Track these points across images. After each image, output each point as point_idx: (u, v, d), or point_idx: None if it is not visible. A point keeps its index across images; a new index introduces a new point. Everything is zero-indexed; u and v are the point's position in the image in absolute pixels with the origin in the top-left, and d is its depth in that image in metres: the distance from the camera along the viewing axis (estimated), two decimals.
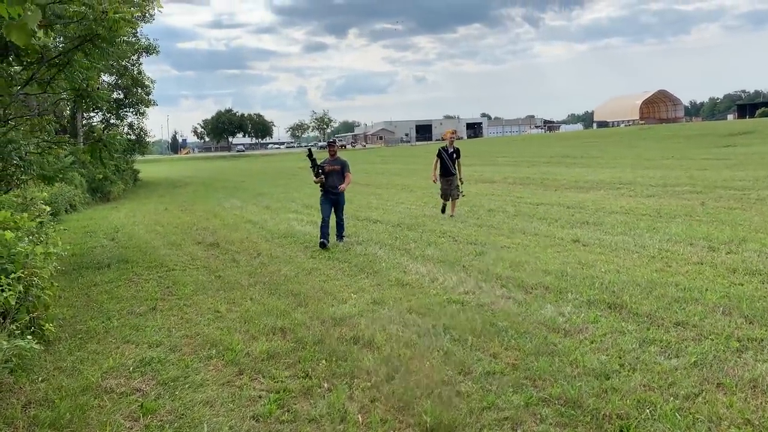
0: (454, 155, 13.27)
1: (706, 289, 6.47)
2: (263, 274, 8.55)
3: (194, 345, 5.59)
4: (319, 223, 10.70)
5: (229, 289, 7.71)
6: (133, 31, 32.02)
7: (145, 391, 4.58)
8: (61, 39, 11.39)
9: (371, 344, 5.35)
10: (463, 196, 13.70)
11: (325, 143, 11.25)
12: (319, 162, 10.63)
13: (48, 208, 13.89)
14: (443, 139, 14.14)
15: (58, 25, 9.79)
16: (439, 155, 13.31)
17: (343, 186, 10.69)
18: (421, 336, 5.52)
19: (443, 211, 13.51)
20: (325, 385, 4.57)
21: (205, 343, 5.59)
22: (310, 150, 10.89)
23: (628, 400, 4.07)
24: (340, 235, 10.83)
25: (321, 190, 10.78)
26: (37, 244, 6.44)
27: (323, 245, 10.17)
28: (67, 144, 12.97)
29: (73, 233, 14.29)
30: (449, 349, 5.16)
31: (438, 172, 13.31)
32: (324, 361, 4.99)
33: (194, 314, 6.65)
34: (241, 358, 5.14)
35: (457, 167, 13.26)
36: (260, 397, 4.44)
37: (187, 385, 4.65)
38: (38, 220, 7.57)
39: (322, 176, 10.53)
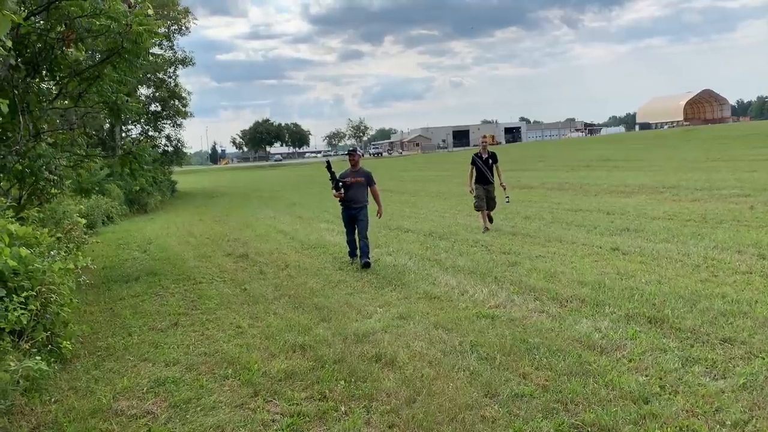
0: (490, 161, 12.26)
1: (756, 302, 6.02)
2: (289, 286, 8.36)
3: (211, 363, 5.40)
4: (347, 241, 10.05)
5: (254, 303, 7.54)
6: (169, 44, 32.59)
7: (155, 414, 4.40)
8: (91, 53, 11.50)
9: (393, 363, 5.08)
10: (508, 202, 12.98)
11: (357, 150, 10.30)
12: (339, 173, 9.80)
13: (83, 221, 14.04)
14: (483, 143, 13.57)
15: (88, 40, 9.88)
16: (473, 162, 12.33)
17: (380, 210, 10.19)
18: (446, 354, 5.23)
19: (486, 229, 12.10)
20: (342, 408, 4.32)
21: (222, 362, 5.40)
22: (328, 162, 9.84)
23: (669, 429, 3.72)
24: (364, 257, 9.45)
25: (341, 206, 9.90)
26: (58, 260, 6.38)
27: (353, 256, 9.84)
28: (99, 157, 13.07)
29: (107, 245, 14.41)
30: (476, 368, 4.86)
31: (473, 180, 12.33)
32: (343, 382, 4.74)
33: (215, 330, 6.48)
34: (257, 378, 4.93)
35: (496, 173, 12.31)
36: (273, 421, 4.21)
37: (199, 408, 4.45)
38: (56, 235, 7.51)
39: (342, 191, 9.63)
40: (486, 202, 12.24)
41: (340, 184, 9.59)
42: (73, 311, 6.48)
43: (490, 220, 12.46)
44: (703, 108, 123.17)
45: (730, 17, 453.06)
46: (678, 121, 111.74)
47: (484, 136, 13.56)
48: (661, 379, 4.41)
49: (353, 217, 9.73)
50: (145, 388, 4.89)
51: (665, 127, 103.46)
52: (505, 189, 12.43)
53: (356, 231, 9.77)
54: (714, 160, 27.09)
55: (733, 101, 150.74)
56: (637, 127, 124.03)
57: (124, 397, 4.76)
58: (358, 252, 9.82)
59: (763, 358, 4.63)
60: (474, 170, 12.33)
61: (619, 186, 19.38)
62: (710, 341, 5.08)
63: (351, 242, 9.91)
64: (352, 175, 9.77)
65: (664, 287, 6.82)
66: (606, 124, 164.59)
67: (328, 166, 9.65)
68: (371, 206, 9.87)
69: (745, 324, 5.39)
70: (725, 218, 11.50)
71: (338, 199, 9.77)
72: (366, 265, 9.25)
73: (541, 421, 3.94)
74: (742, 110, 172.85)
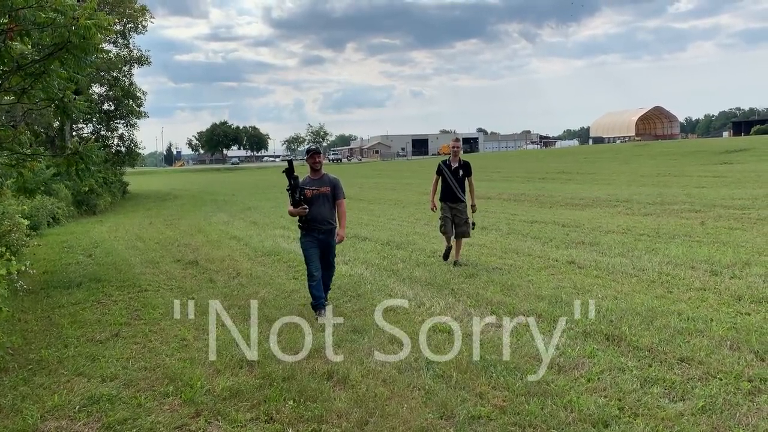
0: (461, 172, 9.53)
1: (711, 320, 6.01)
2: (239, 296, 8.04)
3: (152, 379, 5.08)
4: (307, 280, 7.09)
5: (201, 314, 7.19)
6: (124, 42, 31.72)
7: None
8: (39, 48, 10.98)
9: (346, 381, 4.86)
10: (472, 228, 9.72)
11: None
12: (302, 182, 7.05)
13: (26, 222, 13.37)
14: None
15: (34, 33, 9.38)
16: (440, 172, 9.64)
17: (341, 233, 7.16)
18: (401, 371, 5.03)
19: (446, 256, 9.70)
20: (290, 431, 4.07)
21: (163, 378, 5.08)
22: (290, 163, 6.98)
23: None
24: (325, 290, 7.24)
25: (300, 227, 7.13)
26: None
27: (321, 307, 6.93)
28: (45, 156, 12.47)
29: (51, 248, 13.78)
30: (431, 387, 4.67)
31: (437, 196, 9.76)
32: (292, 402, 4.49)
33: (158, 342, 6.14)
34: (200, 397, 4.63)
35: (468, 189, 9.65)
36: None
37: (135, 430, 4.14)
38: None
39: (305, 206, 6.94)
40: (454, 227, 9.54)
41: (301, 196, 6.95)
42: (4, 321, 6.06)
43: (449, 254, 9.73)
44: (654, 124, 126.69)
45: (681, 38, 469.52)
46: (630, 136, 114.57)
47: (457, 140, 9.84)
48: (620, 400, 4.31)
49: (323, 245, 7.09)
50: (77, 407, 4.55)
51: (618, 141, 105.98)
52: (473, 211, 9.78)
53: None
54: (664, 175, 27.74)
55: (682, 118, 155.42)
56: (590, 140, 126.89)
57: (53, 416, 4.40)
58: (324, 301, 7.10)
59: (721, 379, 4.58)
60: (439, 182, 9.72)
61: (574, 198, 19.59)
62: (668, 360, 5.01)
63: (318, 287, 7.00)
64: (314, 185, 7.11)
65: (621, 303, 6.78)
66: (561, 137, 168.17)
67: (289, 170, 6.89)
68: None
69: (702, 343, 5.35)
70: (677, 233, 11.65)
71: (298, 217, 7.08)
72: (318, 309, 6.90)
73: None
74: (690, 128, 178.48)
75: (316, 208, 7.00)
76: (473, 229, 9.78)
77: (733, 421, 3.93)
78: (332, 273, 7.44)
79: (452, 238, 9.61)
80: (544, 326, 6.10)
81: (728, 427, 3.86)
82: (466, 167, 9.60)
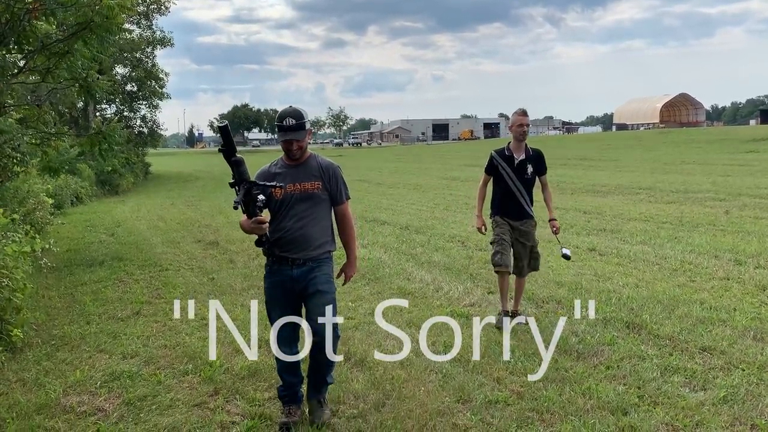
0: (529, 168, 5.85)
1: (735, 309, 5.92)
2: (259, 277, 8.03)
3: (171, 357, 5.13)
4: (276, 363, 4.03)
5: (220, 294, 7.26)
6: (147, 23, 31.84)
7: (107, 412, 4.12)
8: (63, 28, 11.06)
9: (363, 363, 4.87)
10: (568, 257, 6.03)
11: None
12: (261, 170, 4.00)
13: (50, 201, 13.57)
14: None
15: (58, 12, 9.44)
16: (492, 170, 5.87)
17: (348, 271, 4.23)
18: (419, 355, 5.02)
19: (502, 322, 5.56)
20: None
21: (183, 356, 5.13)
22: (224, 130, 3.42)
23: None
24: (316, 389, 3.97)
25: (265, 254, 3.92)
26: (15, 241, 6.05)
27: (286, 428, 3.77)
28: (69, 136, 12.61)
29: (74, 227, 13.97)
30: (449, 371, 4.66)
31: (492, 205, 6.01)
32: None
33: (178, 321, 6.19)
34: (219, 375, 4.67)
35: (544, 195, 6.11)
36: (234, 423, 3.96)
37: (154, 406, 4.18)
38: (12, 216, 7.14)
39: (261, 220, 3.55)
40: (518, 257, 5.89)
41: (260, 197, 3.49)
42: (29, 297, 6.15)
43: (508, 307, 5.83)
44: (678, 111, 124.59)
45: (709, 23, 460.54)
46: (654, 123, 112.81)
47: (523, 113, 5.80)
48: (639, 388, 4.26)
49: (298, 288, 3.86)
50: (98, 383, 4.61)
51: (641, 128, 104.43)
52: (557, 231, 6.09)
53: (302, 326, 3.93)
54: (689, 163, 27.32)
55: (707, 106, 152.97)
56: (614, 127, 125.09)
57: (75, 391, 4.47)
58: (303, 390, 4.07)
59: (743, 369, 4.51)
60: (488, 184, 6.02)
61: (596, 185, 19.38)
62: (689, 350, 4.95)
63: (292, 372, 3.98)
64: (288, 175, 3.86)
65: (642, 291, 6.71)
66: (584, 124, 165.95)
67: (226, 148, 3.45)
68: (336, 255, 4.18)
69: (724, 333, 5.27)
70: (701, 222, 11.48)
71: (256, 236, 3.67)
72: (318, 396, 3.97)
73: (516, 431, 3.76)
74: (716, 115, 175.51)
75: (291, 221, 3.80)
76: (568, 259, 6.13)
77: (756, 412, 3.87)
78: (324, 351, 3.80)
79: (508, 271, 5.79)
80: (563, 313, 6.05)
81: (750, 418, 3.81)
82: (538, 160, 5.94)
